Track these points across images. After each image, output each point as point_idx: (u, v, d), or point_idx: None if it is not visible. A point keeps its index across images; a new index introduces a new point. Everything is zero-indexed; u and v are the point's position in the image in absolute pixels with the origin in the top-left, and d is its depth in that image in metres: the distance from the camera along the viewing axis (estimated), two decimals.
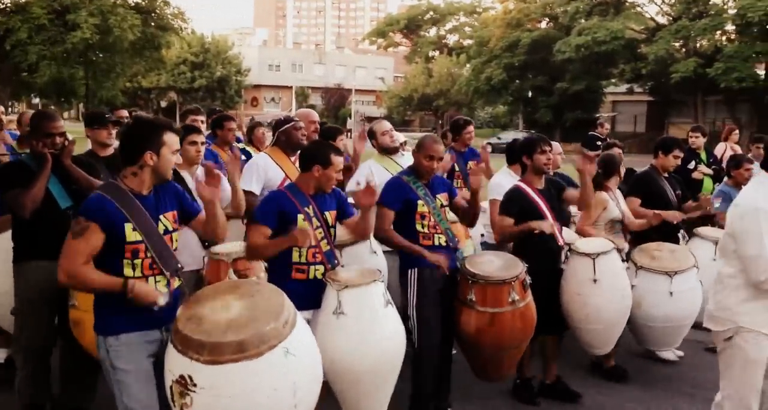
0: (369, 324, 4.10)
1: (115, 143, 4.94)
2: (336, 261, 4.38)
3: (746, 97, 39.69)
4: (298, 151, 5.15)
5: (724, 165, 8.23)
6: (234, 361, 3.03)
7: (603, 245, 5.40)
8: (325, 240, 4.31)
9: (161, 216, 3.52)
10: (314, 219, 4.26)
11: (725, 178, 7.08)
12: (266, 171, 5.39)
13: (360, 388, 4.16)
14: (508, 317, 4.68)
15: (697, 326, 5.25)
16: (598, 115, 45.66)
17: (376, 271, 4.37)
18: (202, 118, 6.91)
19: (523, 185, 5.33)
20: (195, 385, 3.05)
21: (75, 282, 3.35)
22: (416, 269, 4.73)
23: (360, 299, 4.11)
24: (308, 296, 4.09)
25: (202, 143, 5.04)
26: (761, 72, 39.10)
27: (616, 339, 5.56)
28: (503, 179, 5.97)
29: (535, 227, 5.06)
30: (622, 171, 6.26)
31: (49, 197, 4.42)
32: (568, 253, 5.38)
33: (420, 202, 4.79)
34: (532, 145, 5.31)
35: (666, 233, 6.12)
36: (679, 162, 6.59)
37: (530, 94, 48.56)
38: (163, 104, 62.14)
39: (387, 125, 6.50)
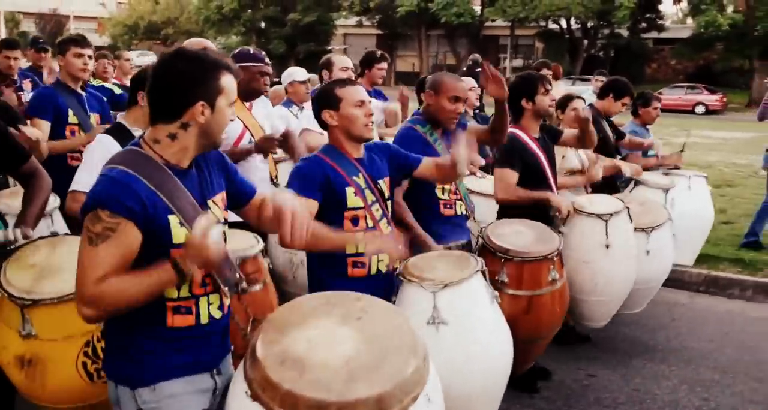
0: (475, 332, 3.18)
1: None
2: (400, 246, 3.22)
3: (464, 31, 42.40)
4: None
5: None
6: None
7: (613, 204, 4.66)
8: (384, 220, 3.29)
9: (209, 202, 2.38)
10: (367, 192, 3.23)
11: (632, 117, 6.74)
12: None
13: None
14: (548, 300, 3.97)
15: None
16: (330, 47, 46.46)
17: (471, 257, 3.41)
18: None
19: (520, 133, 4.54)
20: None
21: (105, 306, 2.10)
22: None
23: (463, 300, 3.18)
24: None
25: None
26: (477, 8, 41.83)
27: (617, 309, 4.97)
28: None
29: (554, 203, 4.41)
30: None
31: None
32: (568, 215, 4.55)
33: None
34: (533, 84, 4.53)
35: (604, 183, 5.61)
36: (624, 110, 6.20)
37: (263, 24, 47.96)
38: None
39: (348, 61, 5.46)
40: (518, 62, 43.78)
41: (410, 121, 4.16)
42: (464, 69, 11.75)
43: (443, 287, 3.11)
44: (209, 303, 2.35)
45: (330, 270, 3.19)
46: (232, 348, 2.54)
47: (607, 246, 4.50)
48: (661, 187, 5.77)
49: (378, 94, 6.46)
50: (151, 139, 2.28)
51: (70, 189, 3.49)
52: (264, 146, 4.16)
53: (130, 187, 2.14)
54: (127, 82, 6.41)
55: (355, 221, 3.18)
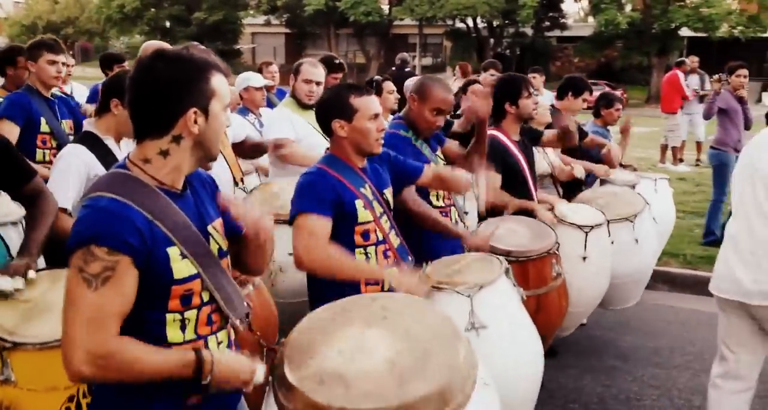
0: (514, 333, 3.05)
1: None
2: (410, 257, 3.20)
3: (373, 30, 42.51)
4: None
5: None
6: None
7: (594, 216, 4.57)
8: (393, 231, 3.13)
9: (210, 228, 2.10)
10: (375, 204, 3.05)
11: (593, 118, 6.53)
12: None
13: None
14: (554, 296, 3.89)
15: None
16: (238, 47, 45.84)
17: (491, 256, 3.29)
18: None
19: (500, 136, 4.41)
20: None
21: (107, 371, 1.80)
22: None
23: (499, 301, 3.04)
24: None
25: None
26: (386, 7, 42.02)
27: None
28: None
29: (541, 217, 4.29)
30: None
31: None
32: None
33: (432, 164, 3.70)
34: (517, 87, 4.39)
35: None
36: (584, 107, 5.94)
37: (168, 23, 46.89)
38: None
39: (319, 71, 4.90)
40: (427, 61, 44.24)
41: (392, 126, 3.91)
42: (392, 68, 11.63)
43: (479, 289, 2.96)
44: (218, 342, 2.07)
45: (341, 290, 2.75)
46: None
47: (584, 259, 4.38)
48: (627, 183, 5.72)
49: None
50: (140, 158, 1.97)
51: None
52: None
53: (127, 218, 1.85)
54: None
55: (365, 235, 3.00)
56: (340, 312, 2.22)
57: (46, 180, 3.32)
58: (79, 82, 8.01)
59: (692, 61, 13.48)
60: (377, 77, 6.83)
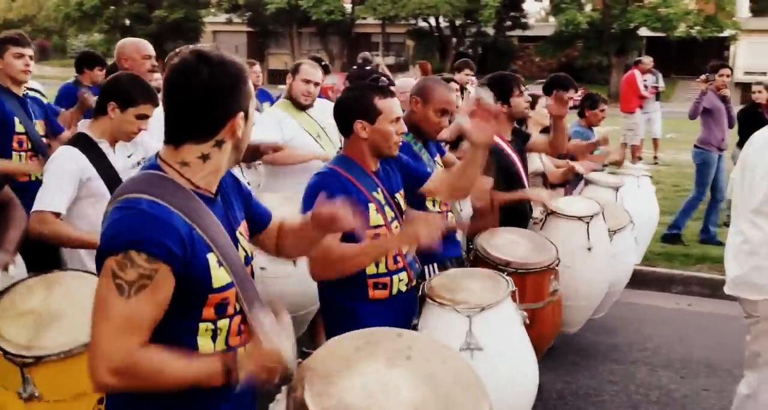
0: (508, 357, 2.96)
1: None
2: (417, 264, 3.15)
3: (336, 29, 42.43)
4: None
5: None
6: None
7: (589, 206, 4.50)
8: None
9: (237, 234, 2.02)
10: (387, 208, 2.96)
11: (578, 118, 6.55)
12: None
13: None
14: (549, 312, 3.77)
15: None
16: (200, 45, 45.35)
17: (500, 276, 3.20)
18: None
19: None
20: None
21: (133, 381, 1.72)
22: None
23: (498, 324, 2.96)
24: (392, 321, 2.61)
25: None
26: (348, 6, 41.96)
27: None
28: None
29: (534, 198, 4.25)
30: None
31: None
32: (547, 217, 4.43)
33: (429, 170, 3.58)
34: (508, 86, 4.28)
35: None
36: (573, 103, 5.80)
37: (128, 21, 46.31)
38: None
39: (318, 72, 4.71)
40: (390, 60, 44.25)
41: None
42: (354, 68, 11.57)
43: (480, 311, 2.89)
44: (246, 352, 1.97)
45: (350, 295, 2.88)
46: None
47: (590, 249, 4.30)
48: (611, 185, 5.70)
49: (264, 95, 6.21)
50: (177, 161, 1.86)
51: (36, 208, 3.09)
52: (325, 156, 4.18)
53: (169, 223, 1.74)
54: None
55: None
56: (364, 343, 2.13)
57: (28, 182, 3.25)
58: (37, 80, 7.89)
59: (647, 60, 13.66)
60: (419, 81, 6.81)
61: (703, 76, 8.20)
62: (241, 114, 1.86)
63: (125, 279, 1.69)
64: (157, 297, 1.73)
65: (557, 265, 3.82)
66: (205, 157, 1.86)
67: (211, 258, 1.83)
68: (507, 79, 4.37)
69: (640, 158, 13.40)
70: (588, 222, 4.31)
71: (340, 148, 3.08)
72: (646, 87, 13.04)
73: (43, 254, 3.30)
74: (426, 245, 2.52)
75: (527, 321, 3.13)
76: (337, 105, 3.04)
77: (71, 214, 3.22)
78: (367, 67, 11.14)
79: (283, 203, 3.75)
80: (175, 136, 1.87)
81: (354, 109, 2.93)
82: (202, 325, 1.85)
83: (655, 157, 13.62)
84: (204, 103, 1.81)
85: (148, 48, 4.64)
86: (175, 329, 1.81)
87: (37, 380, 2.34)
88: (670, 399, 4.60)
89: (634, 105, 13.01)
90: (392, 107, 2.93)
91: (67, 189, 3.17)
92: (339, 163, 2.97)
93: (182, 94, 1.82)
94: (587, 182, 5.80)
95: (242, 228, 2.07)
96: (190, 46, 1.86)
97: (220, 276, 1.84)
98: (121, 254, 1.70)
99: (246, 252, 2.03)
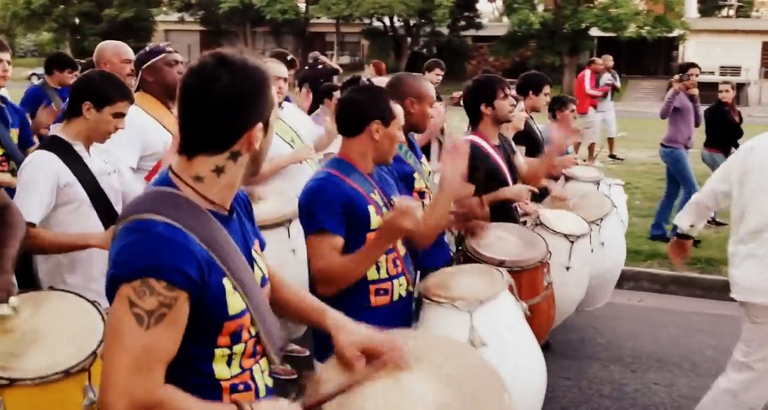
0: (515, 351, 2.86)
1: None
2: (412, 267, 3.06)
3: (290, 28, 42.26)
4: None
5: None
6: None
7: (579, 225, 4.38)
8: (400, 240, 2.96)
9: (253, 253, 1.93)
10: (385, 210, 2.88)
11: (548, 120, 6.47)
12: (145, 132, 3.71)
13: None
14: (545, 306, 3.69)
15: None
16: (151, 45, 44.79)
17: (493, 269, 3.17)
18: None
19: (479, 141, 4.17)
20: None
21: None
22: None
23: (500, 317, 2.87)
24: (395, 327, 2.47)
25: None
26: (302, 5, 41.81)
27: None
28: None
29: (511, 196, 4.17)
30: None
31: None
32: (534, 229, 4.26)
33: (416, 174, 3.49)
34: (492, 88, 4.18)
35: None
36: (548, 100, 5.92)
37: (77, 20, 45.53)
38: None
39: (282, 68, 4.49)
40: (345, 59, 44.20)
41: None
42: (306, 68, 11.51)
43: (479, 304, 2.79)
44: (262, 371, 1.88)
45: (351, 303, 2.70)
46: None
47: (568, 268, 4.16)
48: (591, 180, 5.65)
49: None
50: (191, 175, 1.74)
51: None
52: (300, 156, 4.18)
53: (187, 248, 1.63)
54: None
55: None
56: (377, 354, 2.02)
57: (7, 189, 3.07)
58: None
59: (606, 59, 13.80)
60: (365, 78, 6.68)
61: (676, 76, 8.38)
62: (260, 125, 1.74)
63: (144, 308, 1.58)
64: (176, 326, 1.63)
65: (549, 259, 3.78)
66: (219, 170, 1.74)
67: (227, 283, 1.72)
68: (491, 82, 4.30)
69: (594, 158, 13.58)
70: (573, 242, 4.20)
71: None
72: (598, 84, 13.23)
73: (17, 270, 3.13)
74: (410, 230, 2.58)
75: (528, 314, 3.07)
76: (349, 103, 2.95)
77: (50, 223, 3.06)
78: (319, 67, 11.12)
79: (273, 199, 3.78)
80: (188, 146, 1.75)
81: (372, 109, 2.86)
82: (218, 351, 1.76)
83: (610, 156, 13.81)
84: (221, 111, 1.68)
85: (128, 52, 4.53)
86: (190, 356, 1.71)
87: (9, 404, 2.20)
88: (621, 393, 4.68)
89: (586, 105, 13.17)
90: (401, 113, 2.94)
91: (43, 197, 3.01)
92: (335, 166, 2.91)
93: (198, 101, 1.69)
94: (567, 178, 5.76)
95: (257, 245, 1.97)
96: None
97: (235, 302, 1.74)
98: (138, 281, 1.59)
99: (262, 272, 1.94)
